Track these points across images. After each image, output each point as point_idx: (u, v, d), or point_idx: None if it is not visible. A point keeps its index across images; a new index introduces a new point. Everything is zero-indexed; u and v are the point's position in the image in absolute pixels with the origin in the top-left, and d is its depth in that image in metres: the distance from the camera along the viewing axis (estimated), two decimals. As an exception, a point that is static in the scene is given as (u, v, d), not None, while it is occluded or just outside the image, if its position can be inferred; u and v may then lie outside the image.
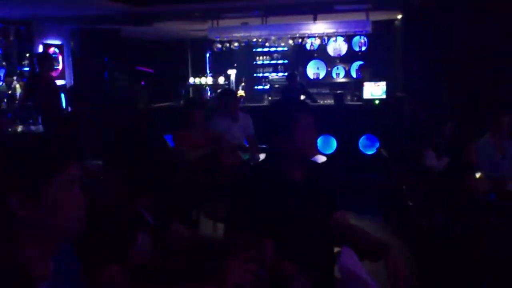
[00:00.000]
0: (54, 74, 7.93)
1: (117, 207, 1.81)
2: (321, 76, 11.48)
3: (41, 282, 1.33)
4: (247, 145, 5.50)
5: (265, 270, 1.84)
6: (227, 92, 6.41)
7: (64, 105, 7.22)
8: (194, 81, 10.70)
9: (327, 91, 10.91)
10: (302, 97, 8.96)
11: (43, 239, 1.34)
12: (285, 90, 9.14)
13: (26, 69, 8.13)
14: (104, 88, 9.13)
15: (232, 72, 10.74)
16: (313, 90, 10.17)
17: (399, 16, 9.33)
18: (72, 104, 5.55)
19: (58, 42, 8.97)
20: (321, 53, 10.99)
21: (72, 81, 9.17)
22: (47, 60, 6.97)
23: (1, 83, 7.68)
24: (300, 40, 9.80)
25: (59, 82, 8.27)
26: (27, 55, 8.19)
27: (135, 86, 10.11)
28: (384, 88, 8.57)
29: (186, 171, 3.90)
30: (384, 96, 8.56)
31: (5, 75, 7.75)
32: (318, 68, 11.48)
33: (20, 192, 1.28)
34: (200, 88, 10.63)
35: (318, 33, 9.45)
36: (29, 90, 6.95)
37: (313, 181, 2.29)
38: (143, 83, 10.33)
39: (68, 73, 9.21)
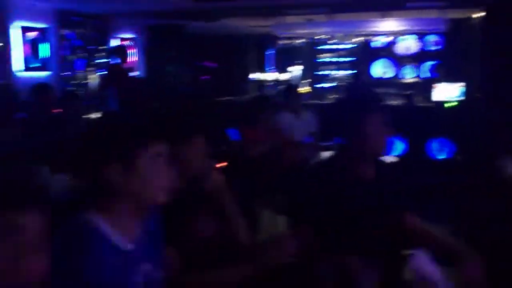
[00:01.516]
0: (128, 66, 8.29)
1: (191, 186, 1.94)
2: (388, 76, 11.10)
3: (127, 245, 1.50)
4: (309, 142, 5.42)
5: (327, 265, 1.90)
6: (292, 88, 6.31)
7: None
8: (257, 77, 10.65)
9: (395, 91, 10.54)
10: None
11: (132, 206, 1.51)
12: (350, 89, 8.91)
13: (103, 60, 8.50)
14: (170, 81, 9.35)
15: (295, 69, 10.62)
16: (379, 90, 9.84)
17: (477, 14, 8.86)
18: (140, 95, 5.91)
19: (131, 36, 9.28)
20: (388, 52, 10.64)
21: (143, 74, 9.49)
22: (123, 52, 7.36)
23: (82, 72, 8.15)
24: (366, 37, 9.52)
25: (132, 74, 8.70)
26: (104, 47, 8.56)
27: (199, 80, 10.27)
28: (461, 89, 8.18)
29: (250, 165, 3.94)
30: (461, 98, 8.15)
31: (85, 66, 8.21)
32: (384, 67, 11.13)
33: (116, 163, 1.45)
34: (262, 84, 10.58)
35: (387, 31, 9.14)
36: (107, 81, 7.34)
37: (383, 180, 2.24)
38: (206, 77, 10.46)
39: (140, 66, 9.51)
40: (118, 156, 1.46)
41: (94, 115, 7.05)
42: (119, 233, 1.49)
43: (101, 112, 6.98)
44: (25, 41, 6.87)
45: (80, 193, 1.55)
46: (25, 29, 6.87)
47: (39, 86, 4.65)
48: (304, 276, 2.02)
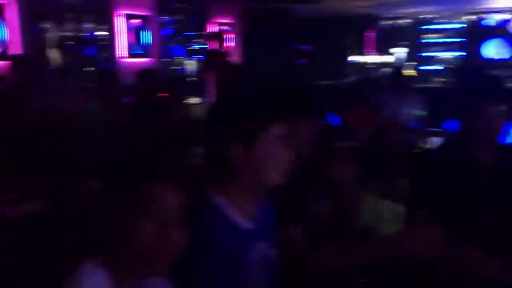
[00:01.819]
0: (226, 51, 8.34)
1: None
2: (501, 57, 10.25)
3: (245, 224, 1.53)
4: (415, 127, 5.27)
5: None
6: (398, 71, 6.04)
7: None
8: (357, 60, 10.34)
9: (509, 73, 9.72)
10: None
11: (251, 185, 1.53)
12: (460, 72, 8.38)
13: (201, 46, 8.61)
14: (269, 65, 9.33)
15: (398, 51, 10.20)
16: (493, 73, 9.13)
17: None
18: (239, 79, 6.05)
19: (230, 21, 9.27)
20: (502, 31, 9.82)
21: (241, 59, 9.49)
22: (222, 38, 7.48)
23: (181, 58, 8.39)
24: (477, 15, 8.83)
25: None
26: (200, 33, 8.66)
27: (295, 64, 10.22)
28: None
29: (353, 149, 3.89)
30: None
31: (184, 52, 8.37)
32: (498, 48, 10.27)
33: (238, 143, 1.47)
34: (363, 66, 10.26)
35: (500, 7, 8.43)
36: (206, 66, 7.39)
37: (504, 166, 2.20)
38: (303, 61, 10.37)
39: (238, 51, 9.51)
40: (239, 135, 1.48)
41: (193, 100, 7.17)
42: (238, 211, 1.53)
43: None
44: (128, 29, 7.09)
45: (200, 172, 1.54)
46: (128, 17, 7.09)
47: (145, 72, 4.78)
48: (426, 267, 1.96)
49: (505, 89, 2.26)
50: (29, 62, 4.89)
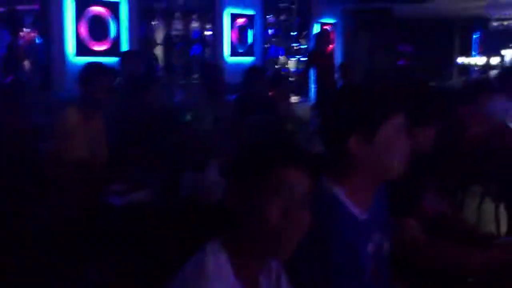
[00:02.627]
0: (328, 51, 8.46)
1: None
2: None
3: (362, 215, 1.53)
4: None
5: None
6: (509, 71, 5.72)
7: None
8: (462, 61, 9.95)
9: None
10: None
11: (370, 176, 1.54)
12: None
13: (304, 46, 8.70)
14: (369, 65, 9.23)
15: (507, 53, 9.68)
16: None
17: None
18: (343, 78, 6.25)
19: (332, 20, 9.29)
20: None
21: (343, 58, 9.45)
22: (325, 37, 7.42)
23: (283, 57, 8.52)
24: None
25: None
26: (304, 33, 8.75)
27: (395, 65, 10.00)
28: None
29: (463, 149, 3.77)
30: None
31: (286, 51, 8.48)
32: None
33: (358, 133, 1.48)
34: (468, 68, 9.86)
35: None
36: (308, 66, 7.44)
37: None
38: (402, 62, 10.13)
39: (340, 50, 9.53)
40: (360, 126, 1.48)
41: (294, 98, 7.25)
42: (355, 202, 1.52)
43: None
44: (233, 27, 7.29)
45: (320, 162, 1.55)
46: (234, 16, 7.28)
47: (253, 69, 4.88)
48: None
49: None
50: (139, 58, 4.96)
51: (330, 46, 8.57)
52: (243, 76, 4.69)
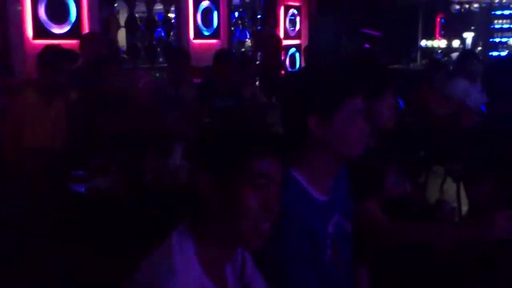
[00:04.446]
0: (291, 34, 8.32)
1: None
2: None
3: (321, 197, 1.54)
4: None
5: None
6: (468, 54, 5.87)
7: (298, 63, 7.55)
8: (425, 44, 10.11)
9: None
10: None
11: (328, 158, 1.53)
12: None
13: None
14: (334, 49, 9.23)
15: (468, 36, 9.89)
16: None
17: None
18: (307, 61, 6.17)
19: (297, 4, 9.21)
20: None
21: (307, 42, 9.42)
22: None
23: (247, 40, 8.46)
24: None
25: (295, 42, 8.88)
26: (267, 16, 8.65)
27: (361, 48, 10.02)
28: None
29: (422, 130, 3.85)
30: None
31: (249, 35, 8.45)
32: None
33: (316, 114, 1.48)
34: (431, 51, 10.03)
35: None
36: (255, 47, 7.46)
37: None
38: (367, 45, 10.18)
39: (304, 33, 9.45)
40: (318, 108, 1.49)
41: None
42: (314, 185, 1.53)
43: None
44: (198, 10, 7.20)
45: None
46: (196, -1, 7.19)
47: (221, 52, 4.80)
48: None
49: None
50: (100, 41, 4.81)
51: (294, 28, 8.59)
52: (212, 59, 4.62)
